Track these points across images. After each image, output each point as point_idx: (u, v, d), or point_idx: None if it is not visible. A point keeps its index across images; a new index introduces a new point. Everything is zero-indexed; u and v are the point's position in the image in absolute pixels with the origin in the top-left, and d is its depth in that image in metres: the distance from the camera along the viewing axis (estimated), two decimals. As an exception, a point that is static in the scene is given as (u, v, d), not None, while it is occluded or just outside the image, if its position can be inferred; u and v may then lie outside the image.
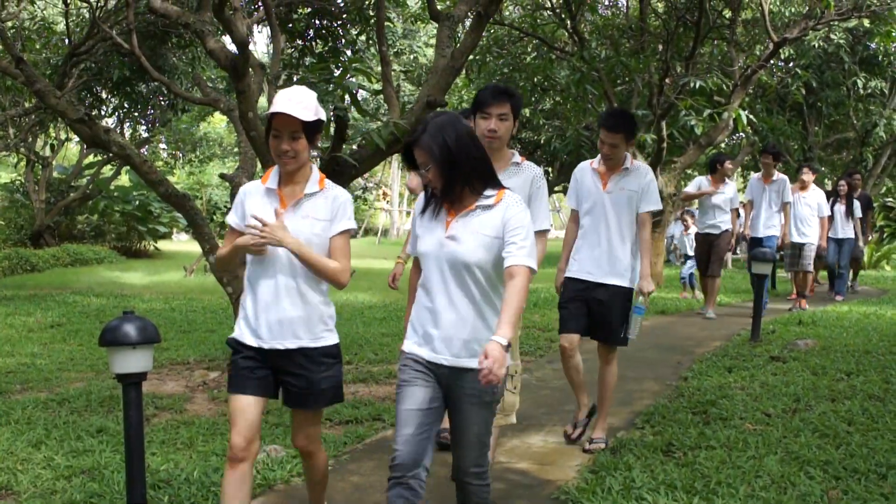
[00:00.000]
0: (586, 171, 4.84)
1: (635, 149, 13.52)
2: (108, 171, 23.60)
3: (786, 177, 10.35)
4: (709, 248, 10.25)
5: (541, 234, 3.80)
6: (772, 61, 13.98)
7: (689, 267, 12.64)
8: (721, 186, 10.20)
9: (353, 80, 6.03)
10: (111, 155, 15.69)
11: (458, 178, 2.91)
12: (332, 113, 5.65)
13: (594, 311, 4.71)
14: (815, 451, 4.37)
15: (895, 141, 19.63)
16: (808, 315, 9.77)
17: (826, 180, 22.34)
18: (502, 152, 3.93)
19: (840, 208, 12.46)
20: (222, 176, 8.56)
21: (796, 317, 9.64)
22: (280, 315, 3.14)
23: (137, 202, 22.49)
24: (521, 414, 5.32)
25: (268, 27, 7.81)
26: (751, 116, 12.40)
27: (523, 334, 8.61)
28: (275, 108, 3.08)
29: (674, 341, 8.25)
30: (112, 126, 19.32)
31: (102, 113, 17.47)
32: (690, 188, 10.75)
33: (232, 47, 6.79)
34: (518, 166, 3.94)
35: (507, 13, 15.61)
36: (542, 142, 18.76)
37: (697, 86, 11.70)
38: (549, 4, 14.62)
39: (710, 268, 10.32)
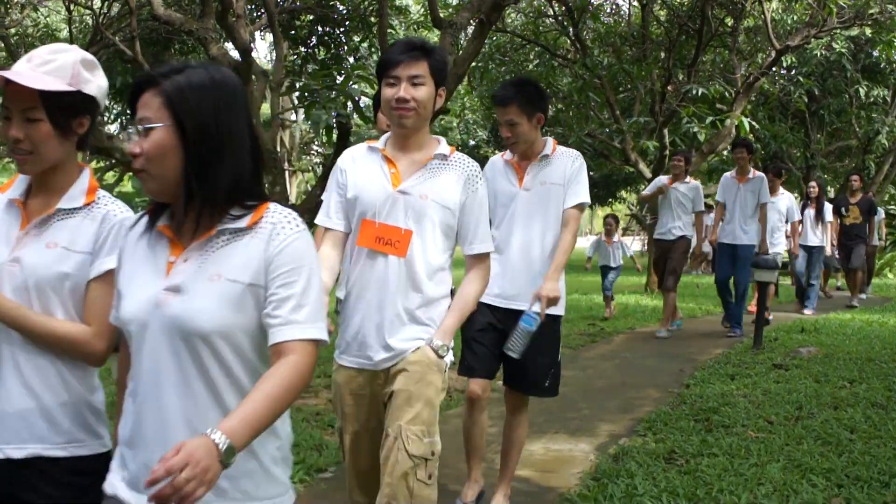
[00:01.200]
0: (496, 168, 3.78)
1: (637, 155, 13.56)
2: (110, 177, 23.64)
3: (763, 174, 8.98)
4: (664, 256, 8.90)
5: (479, 258, 2.80)
6: (774, 69, 14.00)
7: (612, 280, 10.70)
8: (677, 184, 8.79)
9: (356, 86, 6.06)
10: (114, 161, 15.72)
11: (207, 181, 1.67)
12: (334, 120, 5.66)
13: None
14: (817, 459, 4.36)
15: (898, 148, 19.66)
16: (810, 322, 9.76)
17: (829, 188, 22.36)
18: (421, 136, 2.77)
19: (810, 213, 11.48)
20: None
21: (799, 324, 9.62)
22: (1, 405, 1.95)
23: (140, 209, 22.54)
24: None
25: (270, 34, 7.84)
26: (753, 123, 12.41)
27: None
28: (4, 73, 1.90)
29: (676, 348, 8.23)
30: (115, 132, 19.38)
31: (105, 119, 17.53)
32: (647, 189, 9.53)
33: (235, 54, 6.82)
34: (445, 160, 2.76)
35: (510, 20, 15.66)
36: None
37: (700, 93, 11.74)
38: (551, 12, 14.67)
39: (664, 280, 8.88)
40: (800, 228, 10.98)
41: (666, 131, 12.99)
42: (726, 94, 13.18)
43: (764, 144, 16.59)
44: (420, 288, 2.68)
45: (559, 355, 3.78)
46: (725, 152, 17.05)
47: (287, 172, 20.27)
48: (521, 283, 3.62)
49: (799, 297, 11.80)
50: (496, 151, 27.92)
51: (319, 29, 9.75)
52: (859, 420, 5.15)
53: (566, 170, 3.64)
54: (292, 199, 20.81)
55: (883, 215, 14.40)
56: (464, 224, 2.76)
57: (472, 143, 24.85)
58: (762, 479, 4.06)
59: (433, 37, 21.79)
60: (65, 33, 15.17)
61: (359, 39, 10.25)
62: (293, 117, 22.63)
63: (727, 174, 9.18)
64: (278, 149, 17.69)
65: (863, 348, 7.82)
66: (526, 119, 3.58)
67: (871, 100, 18.26)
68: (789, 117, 18.82)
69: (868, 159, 20.01)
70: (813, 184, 12.00)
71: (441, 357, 2.66)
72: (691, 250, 8.97)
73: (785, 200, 10.09)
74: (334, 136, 6.76)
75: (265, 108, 13.19)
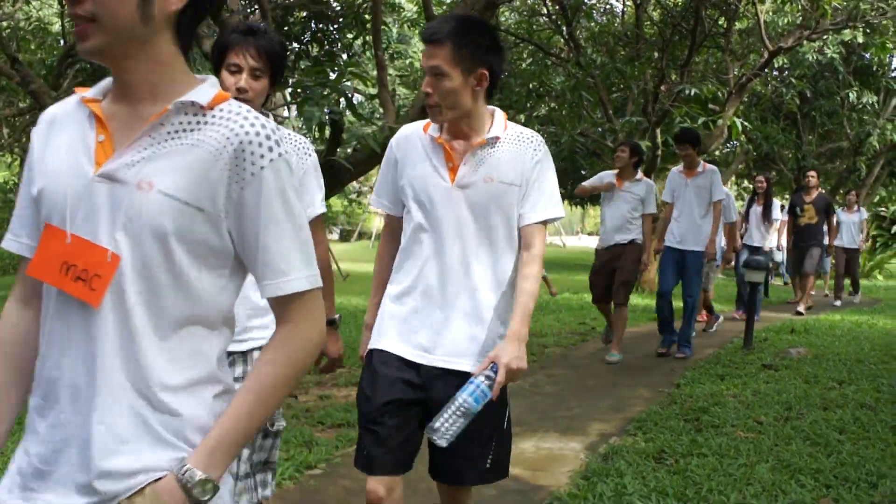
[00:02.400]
0: (416, 143, 2.52)
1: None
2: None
3: (715, 167, 7.76)
4: (612, 266, 7.42)
5: (290, 301, 1.43)
6: (766, 70, 14.04)
7: None
8: (626, 182, 7.36)
9: (349, 84, 6.05)
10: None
11: None
12: (327, 117, 5.66)
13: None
14: (806, 460, 4.38)
15: (888, 150, 19.74)
16: (800, 323, 9.79)
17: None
18: (147, 74, 1.40)
19: (756, 210, 10.64)
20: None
21: (789, 325, 9.65)
22: None
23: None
24: (514, 419, 5.32)
25: (264, 30, 7.82)
26: (746, 123, 12.44)
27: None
28: None
29: (666, 348, 8.26)
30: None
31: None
32: (588, 181, 7.81)
33: (228, 50, 6.80)
34: (202, 116, 1.39)
35: (503, 19, 15.65)
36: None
37: (692, 93, 11.75)
38: (545, 11, 14.68)
39: (615, 293, 7.39)
40: (743, 227, 10.46)
41: (658, 131, 12.99)
42: (719, 94, 13.21)
43: (756, 145, 16.63)
44: (145, 370, 1.34)
45: (507, 420, 2.58)
46: (717, 153, 17.11)
47: (279, 169, 20.28)
48: (453, 330, 2.44)
49: (739, 300, 10.80)
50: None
51: (313, 25, 9.74)
52: (848, 421, 5.17)
53: (525, 163, 2.46)
54: (284, 195, 20.75)
55: (866, 215, 13.91)
56: (244, 237, 1.39)
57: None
58: (751, 479, 4.07)
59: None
60: (57, 27, 15.11)
61: (352, 36, 10.23)
62: (286, 113, 22.59)
63: (674, 169, 7.96)
64: (271, 145, 17.62)
65: (852, 349, 7.87)
66: (460, 73, 2.32)
67: (863, 104, 18.34)
68: (781, 118, 18.87)
69: (859, 161, 20.10)
70: (760, 178, 11.05)
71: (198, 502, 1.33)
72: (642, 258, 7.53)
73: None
74: (327, 133, 6.76)
75: (258, 104, 13.16)
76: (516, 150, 2.46)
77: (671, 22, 13.77)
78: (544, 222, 2.51)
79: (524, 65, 15.50)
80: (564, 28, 13.61)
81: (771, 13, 15.56)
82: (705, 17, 13.13)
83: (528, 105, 15.74)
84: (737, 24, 14.59)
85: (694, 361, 7.44)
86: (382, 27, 8.11)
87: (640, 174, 7.48)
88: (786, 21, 15.62)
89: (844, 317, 10.76)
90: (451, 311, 2.44)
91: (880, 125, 18.64)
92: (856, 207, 13.45)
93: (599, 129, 14.92)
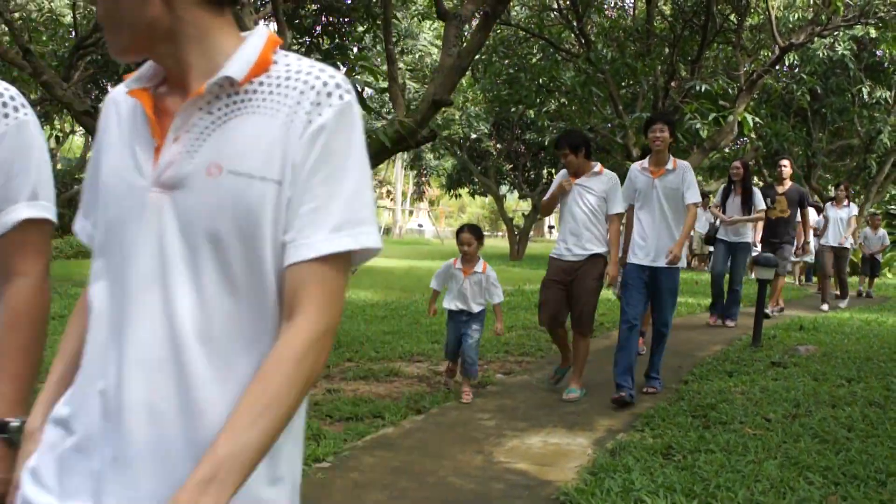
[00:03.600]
0: (119, 106, 1.29)
1: (639, 151, 13.50)
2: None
3: (687, 164, 6.10)
4: (570, 285, 5.89)
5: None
6: (777, 66, 14.00)
7: (472, 343, 5.79)
8: (583, 178, 5.87)
9: (359, 77, 6.04)
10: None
11: None
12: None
13: None
14: (814, 457, 4.37)
15: (900, 148, 19.68)
16: (809, 321, 9.77)
17: (830, 186, 22.39)
18: None
19: (735, 201, 9.30)
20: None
21: (797, 322, 9.63)
22: None
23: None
24: (521, 414, 5.34)
25: (275, 23, 7.82)
26: (757, 119, 12.39)
27: (524, 334, 8.62)
28: None
29: (675, 345, 8.23)
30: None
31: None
32: (548, 194, 6.21)
33: (239, 43, 6.82)
34: None
35: (514, 13, 15.64)
36: (546, 143, 18.80)
37: (703, 89, 11.72)
38: (555, 6, 14.66)
39: (574, 321, 5.94)
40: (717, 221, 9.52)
41: (668, 127, 12.99)
42: (729, 90, 13.18)
43: (766, 142, 16.59)
44: None
45: None
46: (727, 149, 17.06)
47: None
48: (136, 483, 1.13)
49: (714, 305, 9.69)
50: (499, 146, 27.85)
51: (324, 18, 9.75)
52: (857, 418, 5.16)
53: (293, 131, 1.17)
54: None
55: (855, 211, 12.35)
56: None
57: (473, 136, 24.83)
58: (759, 476, 4.07)
59: (437, 27, 21.79)
60: (69, 18, 15.16)
61: (363, 30, 10.24)
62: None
63: (636, 165, 6.26)
64: (280, 138, 17.67)
65: (861, 347, 7.86)
66: None
67: (874, 100, 18.27)
68: (791, 115, 18.82)
69: (870, 158, 20.03)
70: (737, 164, 9.50)
71: None
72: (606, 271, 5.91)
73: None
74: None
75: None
76: (277, 106, 1.18)
77: (682, 17, 13.75)
78: (332, 259, 1.20)
79: (534, 59, 15.49)
80: (575, 23, 13.59)
81: (782, 9, 15.51)
82: (716, 12, 13.11)
83: (538, 100, 15.74)
84: (748, 19, 14.56)
85: (702, 358, 7.43)
86: (393, 20, 8.11)
87: (598, 166, 5.96)
88: (797, 17, 15.57)
89: (853, 315, 10.74)
90: (143, 446, 1.15)
91: (891, 122, 18.57)
92: (846, 202, 12.22)
93: (609, 125, 14.89)
